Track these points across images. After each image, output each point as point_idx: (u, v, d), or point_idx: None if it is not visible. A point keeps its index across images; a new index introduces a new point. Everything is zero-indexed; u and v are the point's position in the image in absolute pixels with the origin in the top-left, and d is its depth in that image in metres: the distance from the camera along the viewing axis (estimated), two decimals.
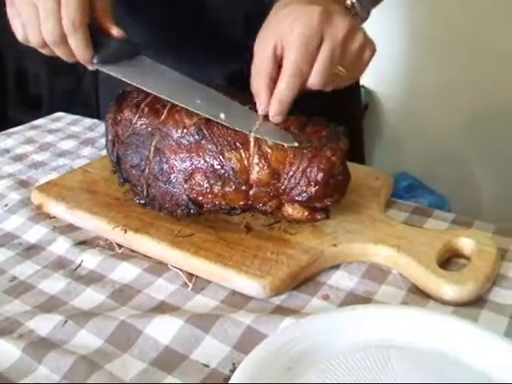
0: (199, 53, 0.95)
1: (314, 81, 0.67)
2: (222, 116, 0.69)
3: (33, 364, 0.57)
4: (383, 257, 0.68)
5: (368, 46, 0.69)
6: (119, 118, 0.75)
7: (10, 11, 0.72)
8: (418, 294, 0.64)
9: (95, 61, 0.72)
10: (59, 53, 0.71)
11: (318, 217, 0.70)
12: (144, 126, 0.73)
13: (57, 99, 2.85)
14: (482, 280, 0.63)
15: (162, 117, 0.72)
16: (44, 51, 0.73)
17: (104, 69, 0.72)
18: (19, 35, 0.72)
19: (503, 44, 1.93)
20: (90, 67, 0.73)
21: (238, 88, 0.75)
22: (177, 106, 0.71)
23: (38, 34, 0.69)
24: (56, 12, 0.67)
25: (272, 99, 0.68)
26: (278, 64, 0.68)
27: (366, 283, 0.66)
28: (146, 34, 0.96)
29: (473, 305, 0.62)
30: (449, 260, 0.69)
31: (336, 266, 0.68)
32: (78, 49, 0.70)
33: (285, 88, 0.67)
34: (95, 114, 1.23)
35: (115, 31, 0.73)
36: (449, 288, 0.62)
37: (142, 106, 0.73)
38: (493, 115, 2.04)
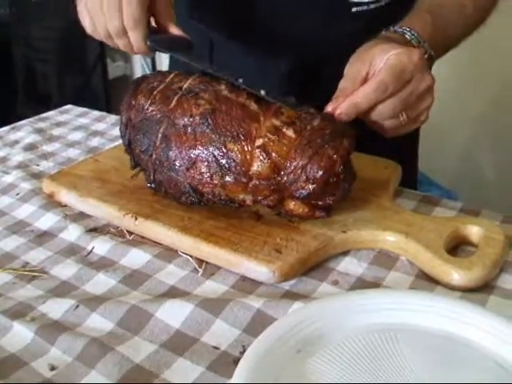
0: (257, 48, 0.98)
1: (384, 110, 0.72)
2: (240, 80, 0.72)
3: (45, 345, 0.57)
4: (392, 243, 0.68)
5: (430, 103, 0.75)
6: (133, 102, 0.76)
7: (80, 6, 0.79)
8: (426, 280, 0.65)
9: (149, 43, 0.77)
10: (120, 44, 0.79)
11: (317, 214, 0.70)
12: (154, 113, 0.73)
13: (65, 97, 2.86)
14: (489, 266, 0.63)
15: (172, 104, 0.72)
16: (109, 42, 0.80)
17: (158, 51, 0.79)
18: (88, 29, 0.80)
19: (507, 39, 1.92)
20: (147, 56, 0.80)
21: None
22: (187, 94, 0.72)
23: (104, 27, 0.77)
24: (119, 9, 0.74)
25: (347, 99, 0.71)
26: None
27: (374, 269, 0.66)
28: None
29: (481, 291, 0.63)
30: (456, 247, 0.69)
31: (345, 253, 0.69)
32: (137, 42, 0.77)
33: (362, 96, 0.70)
34: (104, 110, 1.24)
35: (174, 30, 0.79)
36: (456, 274, 0.62)
37: (155, 92, 0.74)
38: (498, 109, 2.04)
